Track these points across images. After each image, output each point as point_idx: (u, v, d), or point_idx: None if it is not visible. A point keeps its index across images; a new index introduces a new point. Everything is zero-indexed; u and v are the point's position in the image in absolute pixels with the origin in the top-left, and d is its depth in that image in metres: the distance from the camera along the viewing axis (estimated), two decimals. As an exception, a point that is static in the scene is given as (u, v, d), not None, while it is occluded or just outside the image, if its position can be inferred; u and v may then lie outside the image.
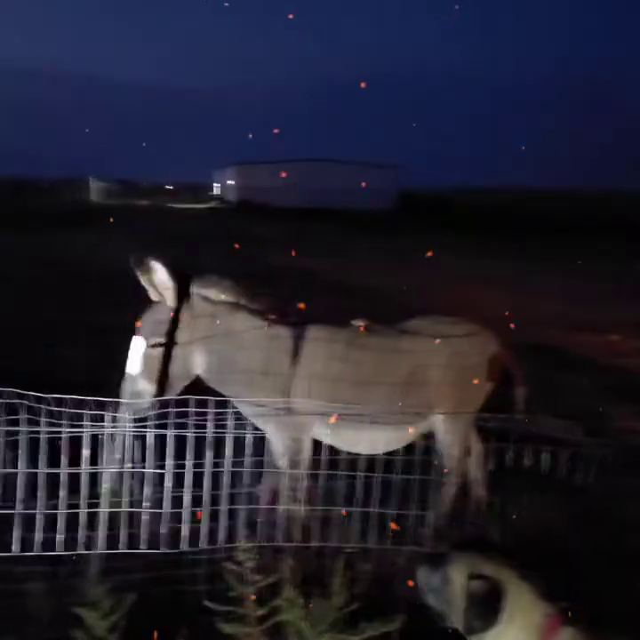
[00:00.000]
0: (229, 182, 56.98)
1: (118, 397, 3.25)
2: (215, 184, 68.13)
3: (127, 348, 3.45)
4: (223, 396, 3.39)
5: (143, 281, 3.44)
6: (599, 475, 4.13)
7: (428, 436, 3.73)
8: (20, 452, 2.78)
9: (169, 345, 3.44)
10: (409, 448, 3.62)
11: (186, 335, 3.46)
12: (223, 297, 3.54)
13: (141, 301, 3.53)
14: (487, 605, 1.94)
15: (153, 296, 3.51)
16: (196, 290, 3.50)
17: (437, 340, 3.56)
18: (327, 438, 3.51)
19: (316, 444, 3.57)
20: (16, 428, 2.74)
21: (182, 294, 3.46)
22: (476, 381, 3.69)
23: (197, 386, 3.60)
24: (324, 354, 3.50)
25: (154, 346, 3.39)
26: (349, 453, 3.45)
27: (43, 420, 2.73)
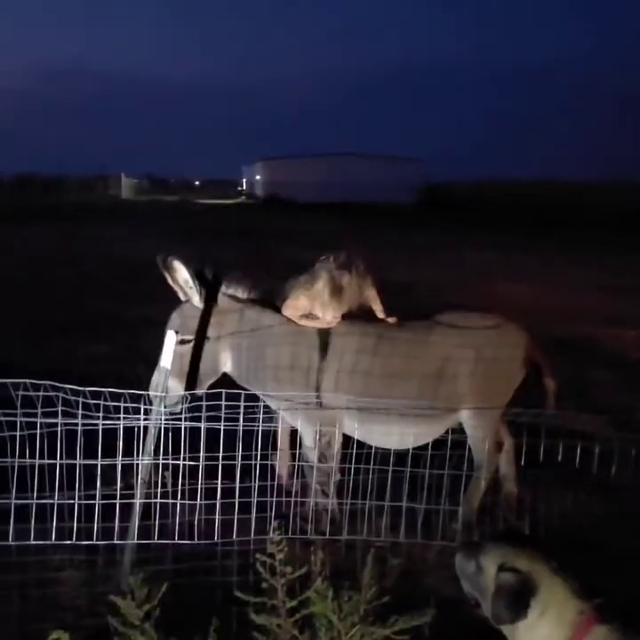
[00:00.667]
0: (256, 178, 57.10)
1: (148, 390, 3.31)
2: (243, 179, 68.37)
3: (156, 342, 3.50)
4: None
5: (170, 280, 3.49)
6: (630, 470, 4.07)
7: (459, 431, 3.71)
8: (58, 443, 2.84)
9: (197, 342, 3.49)
10: (439, 442, 3.61)
11: (213, 333, 3.51)
12: (250, 294, 3.57)
13: (171, 295, 3.57)
14: (516, 598, 1.94)
15: (180, 295, 3.56)
16: (223, 288, 3.55)
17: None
18: (357, 432, 3.52)
19: (346, 438, 3.58)
20: (53, 420, 2.80)
21: (210, 293, 3.50)
22: (504, 374, 3.67)
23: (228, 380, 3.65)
24: (353, 348, 3.50)
25: (182, 343, 3.44)
26: (379, 447, 3.45)
27: (79, 412, 2.79)
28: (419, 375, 3.52)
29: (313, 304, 3.48)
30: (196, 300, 3.47)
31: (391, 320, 3.64)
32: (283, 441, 3.76)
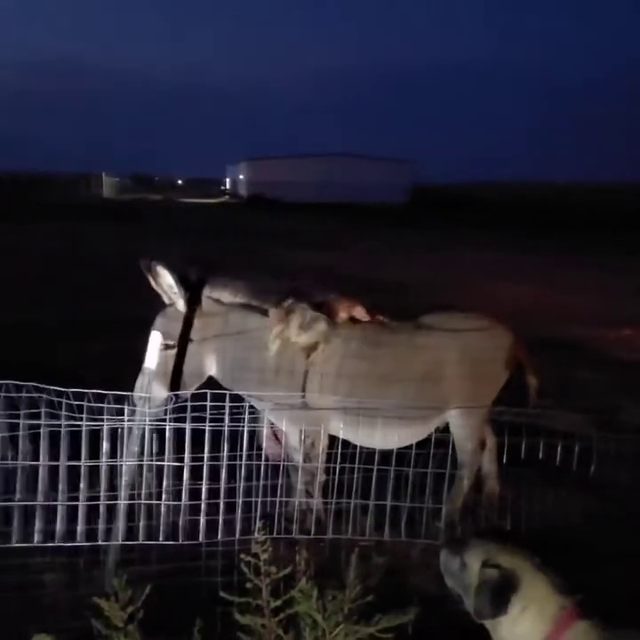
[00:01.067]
0: (240, 177, 56.95)
1: (134, 391, 3.30)
2: (227, 179, 68.17)
3: (139, 342, 3.50)
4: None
5: (153, 284, 3.48)
6: (613, 469, 4.12)
7: (443, 430, 3.74)
8: (40, 444, 2.82)
9: (181, 347, 3.49)
10: (423, 441, 3.63)
11: (198, 336, 3.50)
12: (235, 298, 3.56)
13: (155, 295, 3.56)
14: (498, 593, 1.97)
15: (165, 298, 3.55)
16: (207, 292, 3.54)
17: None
18: (343, 433, 3.54)
19: (331, 438, 3.60)
20: (37, 422, 2.78)
21: (194, 297, 3.49)
22: (491, 375, 3.71)
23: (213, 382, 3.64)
24: (338, 351, 3.51)
25: (166, 348, 3.43)
26: (363, 447, 3.47)
27: (62, 413, 2.77)
28: (407, 378, 3.54)
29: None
30: (181, 305, 3.47)
31: (380, 319, 3.65)
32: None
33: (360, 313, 3.62)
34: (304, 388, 3.49)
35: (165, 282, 3.39)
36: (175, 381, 3.51)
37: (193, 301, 3.50)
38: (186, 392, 3.40)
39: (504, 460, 3.42)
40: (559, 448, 3.37)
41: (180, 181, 74.44)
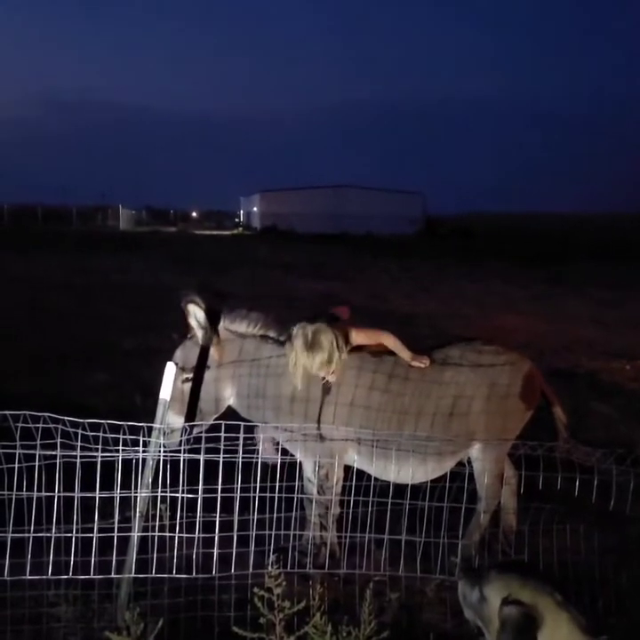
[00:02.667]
0: (254, 209, 57.65)
1: (147, 422, 3.31)
2: (240, 211, 69.00)
3: (156, 371, 3.52)
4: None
5: (188, 317, 3.52)
6: (631, 503, 4.05)
7: (459, 463, 3.70)
8: (57, 475, 2.82)
9: (199, 380, 3.52)
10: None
11: (215, 366, 3.53)
12: (251, 329, 3.59)
13: (170, 325, 3.60)
14: (522, 632, 1.92)
15: (193, 332, 3.56)
16: (225, 324, 3.57)
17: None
18: (357, 465, 3.51)
19: (346, 471, 3.57)
20: (52, 453, 2.79)
21: (213, 331, 3.53)
22: (518, 410, 3.67)
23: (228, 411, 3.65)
24: (356, 383, 3.50)
25: (184, 381, 3.47)
26: (377, 480, 3.44)
27: (78, 444, 2.78)
28: (431, 413, 3.52)
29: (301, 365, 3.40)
30: (203, 341, 3.50)
31: (418, 362, 3.53)
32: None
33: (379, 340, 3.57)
34: (318, 419, 3.49)
35: (197, 318, 3.44)
36: (191, 411, 3.53)
37: (213, 335, 3.53)
38: (203, 423, 3.42)
39: (521, 494, 3.37)
40: (577, 482, 3.32)
41: (194, 214, 75.39)
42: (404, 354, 3.51)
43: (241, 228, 58.54)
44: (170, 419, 3.43)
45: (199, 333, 3.50)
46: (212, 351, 3.54)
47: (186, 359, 3.50)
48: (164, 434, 3.02)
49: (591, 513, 3.34)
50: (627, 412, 6.62)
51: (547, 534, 3.39)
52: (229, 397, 3.65)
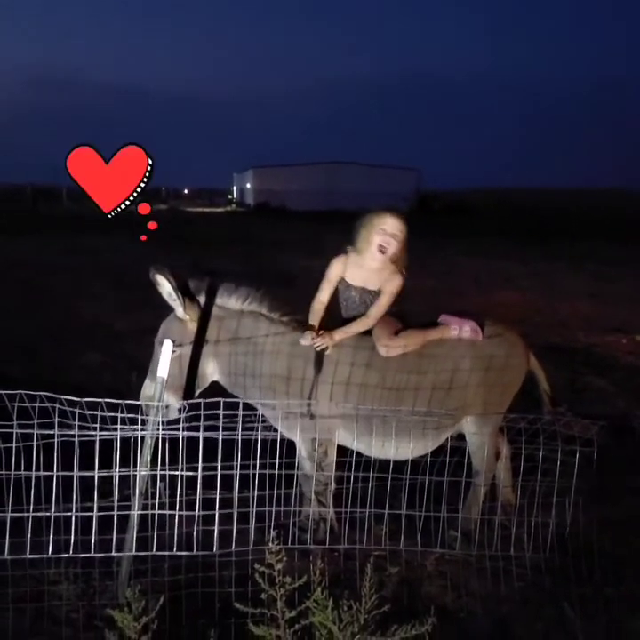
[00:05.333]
0: (247, 186, 57.25)
1: (138, 399, 3.31)
2: (233, 188, 68.47)
3: (146, 351, 3.51)
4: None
5: (159, 292, 3.48)
6: (626, 475, 4.08)
7: (457, 437, 3.72)
8: (55, 454, 2.81)
9: (195, 353, 3.49)
10: (437, 449, 3.61)
11: (201, 343, 3.50)
12: (243, 305, 3.56)
13: (162, 305, 3.56)
14: None
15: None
16: (215, 299, 3.54)
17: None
18: (353, 443, 3.51)
19: (343, 447, 3.58)
20: (49, 432, 2.78)
21: (198, 304, 3.49)
22: (509, 383, 3.69)
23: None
24: (349, 359, 3.49)
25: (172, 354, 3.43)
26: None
27: (76, 423, 2.77)
28: (421, 387, 3.52)
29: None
30: (180, 312, 3.47)
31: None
32: None
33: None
34: (313, 397, 3.48)
35: (165, 290, 3.40)
36: (189, 389, 3.51)
37: (198, 307, 3.50)
38: (199, 400, 3.40)
39: (520, 468, 3.39)
40: (577, 455, 3.33)
41: (186, 191, 74.76)
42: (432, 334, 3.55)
43: (234, 205, 58.19)
44: (147, 392, 3.45)
45: (173, 306, 3.46)
46: (191, 326, 3.50)
47: (169, 334, 3.43)
48: (161, 411, 3.00)
49: (590, 485, 3.36)
50: (623, 386, 6.65)
51: (546, 508, 3.41)
52: (213, 373, 3.62)
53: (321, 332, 3.48)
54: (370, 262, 3.57)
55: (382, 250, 3.52)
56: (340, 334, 3.50)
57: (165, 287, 3.38)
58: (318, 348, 3.44)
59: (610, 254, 19.52)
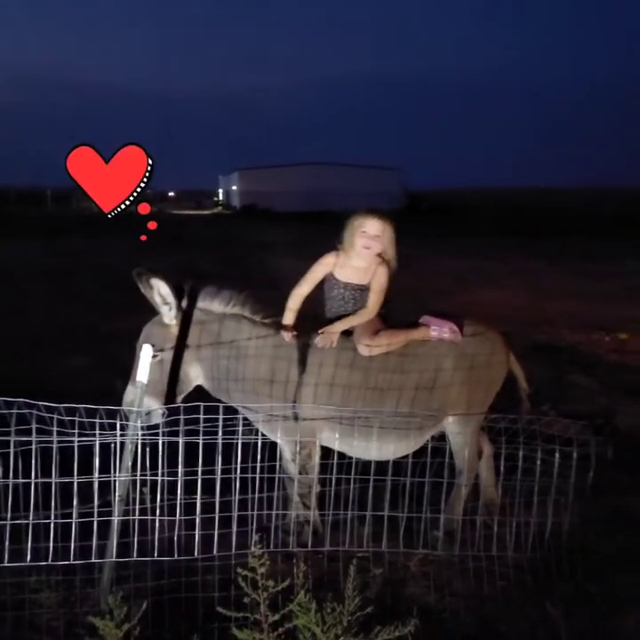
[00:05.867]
0: (233, 188, 57.11)
1: (121, 404, 3.28)
2: (219, 190, 68.28)
3: (132, 354, 3.48)
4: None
5: (147, 295, 3.45)
6: (609, 473, 4.11)
7: (439, 438, 3.72)
8: (33, 461, 2.78)
9: (176, 358, 3.46)
10: (419, 450, 3.61)
11: (185, 347, 3.48)
12: (226, 308, 3.54)
13: (145, 308, 3.54)
14: None
15: (158, 309, 3.52)
16: (198, 302, 3.52)
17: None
18: (337, 444, 3.51)
19: (327, 449, 3.57)
20: (27, 439, 2.75)
21: (183, 307, 3.47)
22: (489, 381, 3.70)
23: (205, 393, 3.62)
24: (332, 361, 3.49)
25: (153, 357, 3.40)
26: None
27: (54, 429, 2.74)
28: (403, 387, 3.52)
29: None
30: (169, 317, 3.44)
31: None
32: None
33: None
34: (296, 400, 3.47)
35: (160, 292, 3.37)
36: (170, 393, 3.48)
37: (185, 311, 3.48)
38: (179, 405, 3.37)
39: (502, 468, 3.40)
40: (556, 454, 3.35)
41: (171, 193, 74.42)
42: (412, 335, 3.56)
43: (221, 208, 58.02)
44: (128, 398, 3.41)
45: (163, 310, 3.44)
46: (174, 330, 3.48)
47: (153, 338, 3.40)
48: (142, 416, 2.98)
49: (571, 485, 3.38)
50: (606, 383, 6.70)
51: (528, 507, 3.43)
52: (197, 377, 3.60)
53: (320, 332, 3.48)
54: (357, 262, 3.58)
55: (366, 251, 3.53)
56: (342, 326, 3.52)
57: (161, 290, 3.36)
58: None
59: (594, 252, 19.68)
